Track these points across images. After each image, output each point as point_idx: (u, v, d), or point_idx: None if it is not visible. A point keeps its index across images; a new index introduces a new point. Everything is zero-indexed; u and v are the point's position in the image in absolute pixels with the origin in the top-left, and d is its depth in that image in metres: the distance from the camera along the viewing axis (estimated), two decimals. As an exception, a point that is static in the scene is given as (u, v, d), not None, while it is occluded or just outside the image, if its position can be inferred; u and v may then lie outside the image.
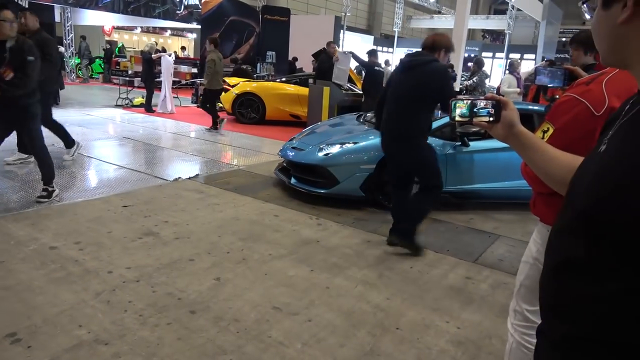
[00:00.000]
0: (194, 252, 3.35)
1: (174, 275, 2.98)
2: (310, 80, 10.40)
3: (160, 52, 10.61)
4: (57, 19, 15.37)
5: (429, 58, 3.38)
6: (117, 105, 11.15)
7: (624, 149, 0.74)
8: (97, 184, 5.02)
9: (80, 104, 10.96)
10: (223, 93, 10.21)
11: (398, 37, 31.47)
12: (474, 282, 3.20)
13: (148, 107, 10.51)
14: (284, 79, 10.43)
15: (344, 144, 4.64)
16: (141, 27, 22.88)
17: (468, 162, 4.63)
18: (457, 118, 1.21)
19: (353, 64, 9.50)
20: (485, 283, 3.20)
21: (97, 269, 2.99)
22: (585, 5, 0.87)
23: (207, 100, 8.82)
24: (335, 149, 4.58)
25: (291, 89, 9.66)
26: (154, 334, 2.36)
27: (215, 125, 8.57)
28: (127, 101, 11.27)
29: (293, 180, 4.75)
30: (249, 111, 9.66)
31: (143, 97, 10.84)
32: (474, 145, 4.53)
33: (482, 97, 1.20)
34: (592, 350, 0.77)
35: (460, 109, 1.21)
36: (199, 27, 14.50)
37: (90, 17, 17.17)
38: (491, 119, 1.17)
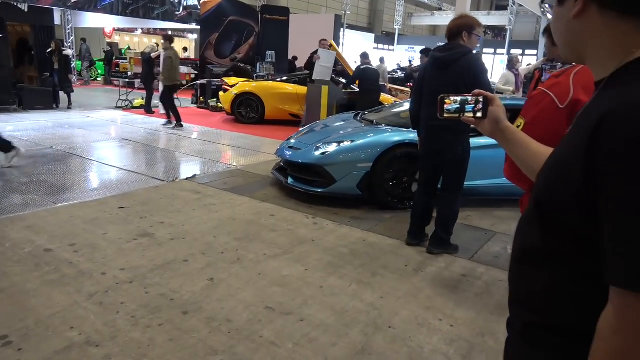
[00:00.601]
0: (188, 252, 3.35)
1: (168, 276, 2.99)
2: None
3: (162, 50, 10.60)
4: (58, 21, 15.44)
5: (461, 52, 3.27)
6: (117, 107, 11.19)
7: (563, 142, 0.80)
8: (94, 185, 5.03)
9: (81, 107, 11.00)
10: (222, 93, 10.25)
11: (399, 34, 31.38)
12: (469, 280, 3.18)
13: (148, 109, 10.53)
14: (284, 78, 10.42)
15: (340, 142, 4.61)
16: (142, 29, 22.94)
17: None
18: (446, 115, 1.22)
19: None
20: (480, 280, 3.19)
21: (91, 270, 3.00)
22: (547, 5, 0.88)
23: (167, 96, 8.91)
24: (332, 148, 4.55)
25: (290, 88, 9.65)
26: (145, 335, 2.36)
27: (179, 122, 8.79)
28: (127, 103, 11.30)
29: (290, 180, 4.74)
30: (249, 111, 9.67)
31: (143, 99, 10.87)
32: (471, 141, 4.49)
33: (470, 94, 1.20)
34: (550, 337, 0.81)
35: (448, 105, 1.21)
36: (199, 27, 14.50)
37: (91, 20, 17.24)
38: (478, 115, 1.18)
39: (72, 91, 10.64)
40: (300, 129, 5.85)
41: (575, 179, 0.70)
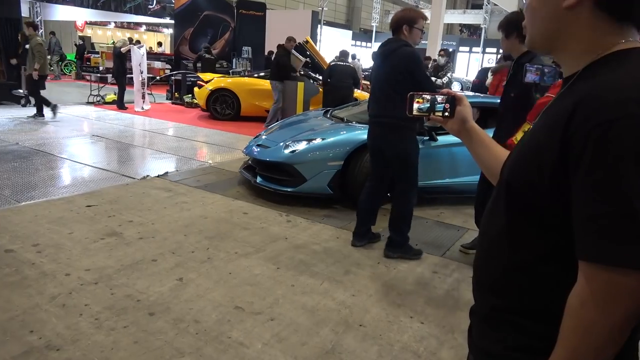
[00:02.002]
0: (157, 252, 3.28)
1: (135, 276, 2.91)
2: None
3: (132, 45, 10.33)
4: (26, 13, 14.94)
5: (397, 44, 3.23)
6: (88, 103, 10.91)
7: (534, 131, 0.84)
8: (61, 183, 4.87)
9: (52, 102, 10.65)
10: (197, 89, 10.09)
11: (376, 31, 31.51)
12: (440, 277, 3.20)
13: (120, 104, 10.29)
14: (262, 74, 10.32)
15: (310, 140, 4.52)
16: (115, 23, 22.41)
17: (437, 157, 4.56)
18: (415, 112, 1.21)
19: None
20: (451, 277, 3.21)
21: (55, 271, 2.90)
22: None
23: (37, 86, 8.54)
24: (301, 146, 4.46)
25: (266, 84, 9.55)
26: (109, 337, 2.29)
27: (41, 112, 8.46)
28: (98, 98, 11.02)
29: (259, 179, 4.62)
30: (224, 107, 9.55)
31: (115, 94, 10.61)
32: (442, 139, 4.49)
33: (438, 92, 1.20)
34: (517, 320, 0.83)
35: (419, 104, 1.20)
36: (172, 22, 14.23)
37: (61, 12, 16.75)
38: (446, 114, 1.18)
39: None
40: (269, 126, 5.68)
41: (550, 162, 0.73)
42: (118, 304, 2.58)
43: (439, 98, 1.18)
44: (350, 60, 11.30)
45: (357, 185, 4.31)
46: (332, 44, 25.06)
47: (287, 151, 4.46)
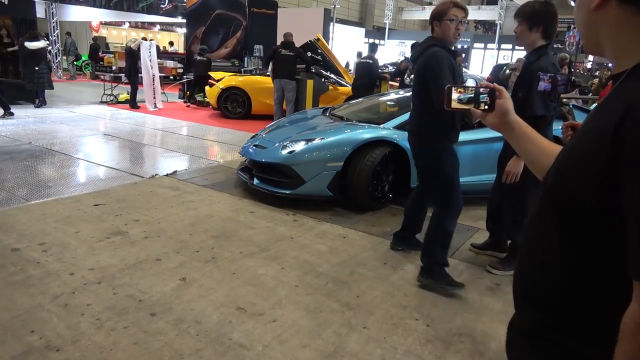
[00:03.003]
0: (162, 251, 3.26)
1: (138, 276, 2.90)
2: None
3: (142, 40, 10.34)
4: (42, 14, 15.15)
5: (424, 46, 2.90)
6: (102, 102, 11.01)
7: (580, 135, 0.80)
8: (70, 182, 4.89)
9: (66, 102, 10.81)
10: (208, 87, 10.11)
11: (389, 28, 31.28)
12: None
13: (132, 103, 10.36)
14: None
15: (309, 140, 4.34)
16: (129, 23, 22.62)
17: None
18: (455, 105, 1.17)
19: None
20: (459, 278, 3.12)
21: (59, 270, 2.90)
22: None
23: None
24: (300, 146, 4.28)
25: (276, 82, 9.52)
26: (109, 338, 2.27)
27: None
28: (112, 97, 11.12)
29: (255, 181, 4.45)
30: (235, 106, 9.55)
31: (128, 93, 10.69)
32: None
33: (477, 85, 1.16)
34: (563, 339, 0.77)
35: (459, 94, 1.16)
36: (184, 21, 14.30)
37: (77, 13, 16.95)
38: (486, 107, 1.14)
39: (51, 87, 10.24)
40: (267, 126, 5.57)
41: (598, 170, 0.69)
42: (120, 304, 2.57)
43: (482, 89, 1.14)
44: (356, 59, 11.19)
45: (358, 187, 4.16)
46: (345, 41, 24.95)
47: (284, 152, 4.30)
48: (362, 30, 30.15)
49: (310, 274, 3.06)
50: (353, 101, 6.16)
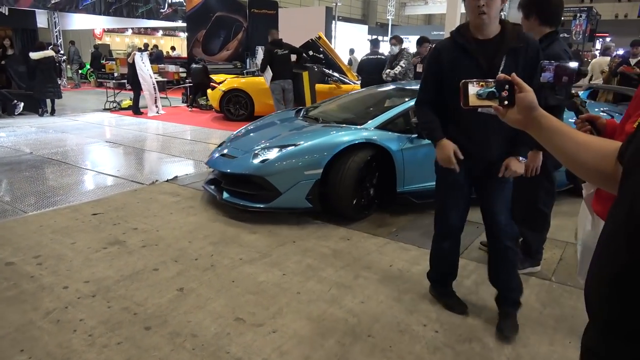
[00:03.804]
0: (159, 260, 3.16)
1: (134, 287, 2.79)
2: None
3: (137, 51, 10.26)
4: (45, 24, 15.21)
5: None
6: (105, 109, 10.99)
7: None
8: (69, 191, 4.81)
9: (70, 110, 10.81)
10: (210, 90, 10.04)
11: (392, 25, 31.05)
12: (457, 279, 2.97)
13: (135, 110, 10.33)
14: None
15: (283, 147, 3.90)
16: (132, 29, 22.67)
17: (427, 156, 3.65)
18: (474, 102, 1.05)
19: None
20: (469, 279, 2.99)
21: (53, 284, 2.80)
22: None
23: None
24: (273, 154, 3.84)
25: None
26: (100, 356, 2.17)
27: None
28: (115, 104, 11.10)
29: (225, 195, 3.98)
30: (237, 108, 9.46)
31: (131, 99, 10.66)
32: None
33: (493, 79, 1.05)
34: None
35: (478, 88, 1.04)
36: (185, 25, 14.25)
37: (79, 21, 17.00)
38: (506, 102, 1.02)
39: (59, 97, 10.24)
40: (234, 132, 5.05)
41: None
42: (114, 318, 2.47)
43: (498, 84, 1.03)
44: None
45: (341, 196, 3.77)
46: (348, 39, 24.78)
47: (256, 161, 3.86)
48: (365, 28, 29.95)
49: (313, 280, 2.94)
50: (329, 100, 5.66)
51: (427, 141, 3.83)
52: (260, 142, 4.14)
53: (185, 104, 12.05)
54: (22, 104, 9.18)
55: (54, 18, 15.30)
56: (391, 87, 5.50)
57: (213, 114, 10.35)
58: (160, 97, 11.92)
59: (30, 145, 6.85)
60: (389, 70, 7.44)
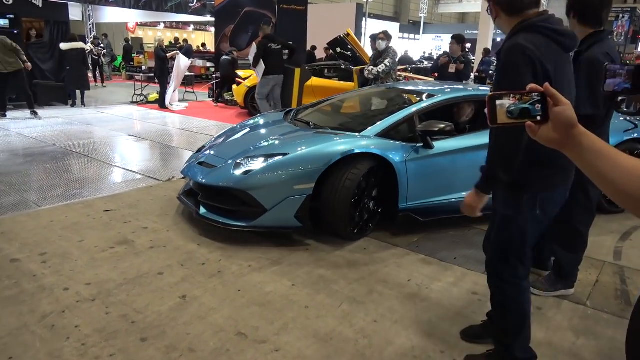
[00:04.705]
0: (165, 263, 3.03)
1: (136, 292, 2.67)
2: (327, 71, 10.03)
3: (176, 48, 10.34)
4: (79, 17, 15.49)
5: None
6: (132, 102, 11.06)
7: None
8: (85, 186, 4.75)
9: (98, 102, 10.93)
10: (235, 86, 9.96)
11: (425, 22, 30.47)
12: (481, 300, 2.74)
13: (162, 103, 10.35)
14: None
15: (270, 156, 3.40)
16: (164, 23, 22.91)
17: (434, 169, 3.60)
18: (504, 119, 0.88)
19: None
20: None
21: (54, 285, 2.71)
22: None
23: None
24: (258, 164, 3.35)
25: (304, 80, 9.24)
26: (90, 368, 2.04)
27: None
28: (142, 97, 11.16)
29: (202, 210, 3.49)
30: (262, 104, 9.32)
31: (158, 93, 10.69)
32: (440, 146, 3.54)
33: (523, 90, 0.88)
34: None
35: (511, 103, 0.87)
36: (213, 19, 14.25)
37: (112, 15, 17.25)
38: (538, 117, 0.86)
39: (87, 88, 10.37)
40: (214, 137, 4.57)
41: None
42: (110, 326, 2.34)
43: (535, 95, 0.86)
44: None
45: (334, 214, 3.30)
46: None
47: (238, 172, 3.35)
48: (397, 25, 29.50)
49: (324, 293, 2.75)
50: (322, 101, 5.00)
51: (434, 151, 3.53)
52: (243, 150, 3.64)
53: (211, 99, 12.03)
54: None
55: (88, 11, 15.57)
56: (395, 88, 5.01)
57: (238, 110, 10.27)
58: (187, 92, 11.98)
59: (54, 137, 6.89)
60: (371, 67, 7.03)
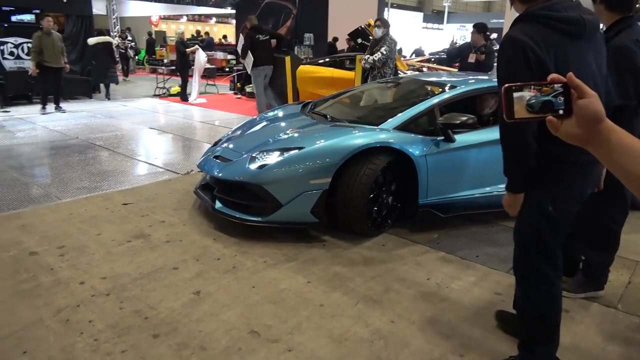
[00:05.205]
0: (180, 258, 3.01)
1: (150, 287, 2.65)
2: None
3: (198, 41, 10.40)
4: (103, 11, 15.70)
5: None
6: (154, 95, 11.16)
7: None
8: (105, 179, 4.78)
9: (122, 95, 11.06)
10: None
11: (449, 12, 29.86)
12: (504, 300, 2.62)
13: (183, 96, 10.42)
14: (319, 62, 9.93)
15: (285, 149, 3.32)
16: (187, 16, 23.04)
17: (456, 163, 3.48)
18: (523, 113, 0.78)
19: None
20: (517, 301, 2.62)
21: (70, 279, 2.71)
22: None
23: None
24: (273, 158, 3.27)
25: (324, 71, 9.15)
26: (102, 365, 2.02)
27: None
28: (164, 90, 11.25)
29: (218, 205, 3.45)
30: (282, 97, 9.27)
31: (180, 86, 10.76)
32: (462, 139, 3.41)
33: (544, 81, 0.78)
34: None
35: (532, 95, 0.78)
36: (234, 12, 14.24)
37: (135, 8, 17.42)
38: (560, 111, 0.77)
39: (115, 82, 10.55)
40: (230, 131, 4.52)
41: None
42: (123, 322, 2.32)
43: (556, 87, 0.77)
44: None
45: (351, 209, 3.22)
46: (401, 27, 24.05)
47: (253, 166, 3.29)
48: (421, 15, 29.00)
49: (339, 290, 2.68)
50: (340, 93, 4.89)
51: (456, 145, 3.40)
52: (259, 143, 3.59)
53: (233, 92, 12.04)
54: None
55: (112, 5, 15.76)
56: (414, 79, 4.85)
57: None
58: (209, 84, 12.02)
59: (78, 131, 6.99)
60: (367, 56, 6.62)
